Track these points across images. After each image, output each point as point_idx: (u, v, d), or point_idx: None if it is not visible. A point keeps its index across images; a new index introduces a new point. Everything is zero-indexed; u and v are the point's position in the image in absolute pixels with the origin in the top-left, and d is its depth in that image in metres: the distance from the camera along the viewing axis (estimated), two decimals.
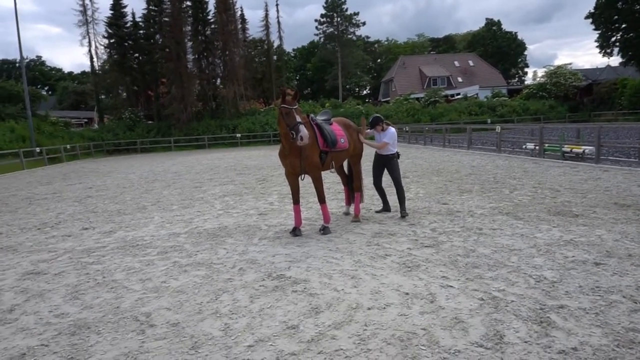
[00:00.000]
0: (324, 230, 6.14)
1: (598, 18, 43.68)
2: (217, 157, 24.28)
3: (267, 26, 46.16)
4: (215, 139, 37.38)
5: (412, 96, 45.62)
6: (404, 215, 6.79)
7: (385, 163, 6.94)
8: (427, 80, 54.56)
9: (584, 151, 13.35)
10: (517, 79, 71.94)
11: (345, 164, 7.64)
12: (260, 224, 7.00)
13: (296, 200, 6.19)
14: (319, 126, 6.10)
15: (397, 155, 6.94)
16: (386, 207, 7.21)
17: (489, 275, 4.40)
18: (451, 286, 4.18)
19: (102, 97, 42.39)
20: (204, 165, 19.02)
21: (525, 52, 71.74)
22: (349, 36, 59.20)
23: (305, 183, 10.33)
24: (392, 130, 6.77)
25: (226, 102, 39.32)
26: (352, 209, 7.27)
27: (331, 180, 11.75)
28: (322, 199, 6.13)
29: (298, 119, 5.40)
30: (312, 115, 6.19)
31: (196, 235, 6.58)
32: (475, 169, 12.72)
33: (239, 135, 36.60)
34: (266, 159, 20.89)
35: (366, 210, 7.66)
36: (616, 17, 42.41)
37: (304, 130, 5.29)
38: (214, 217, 7.79)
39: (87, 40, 39.55)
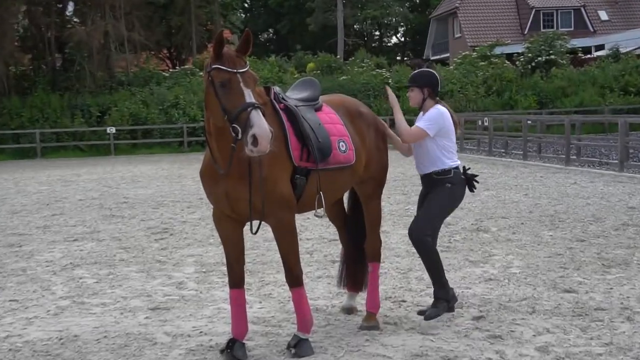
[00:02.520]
0: (298, 348, 6.28)
1: None
2: (63, 178, 24.31)
3: None
4: (59, 136, 37.63)
5: (497, 50, 46.42)
6: (426, 321, 6.88)
7: (429, 190, 7.06)
8: (531, 17, 55.81)
9: None
10: None
11: (345, 197, 7.60)
12: (154, 333, 7.09)
13: (237, 280, 6.39)
14: (291, 114, 6.33)
15: (465, 174, 7.05)
16: (447, 303, 7.07)
17: None
18: None
19: None
20: (31, 198, 19.05)
21: None
22: None
23: (260, 240, 10.38)
24: (439, 110, 6.94)
25: (86, 55, 39.53)
26: (362, 300, 7.37)
27: (317, 232, 11.84)
28: (294, 277, 6.31)
29: (249, 96, 5.60)
30: (276, 89, 6.42)
31: (7, 356, 6.54)
32: (636, 215, 12.90)
33: (112, 129, 37.01)
34: (172, 185, 20.97)
35: (393, 302, 7.73)
36: None
37: (260, 123, 5.43)
38: (50, 314, 7.81)
39: None
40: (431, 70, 7.18)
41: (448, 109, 7.05)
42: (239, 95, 5.52)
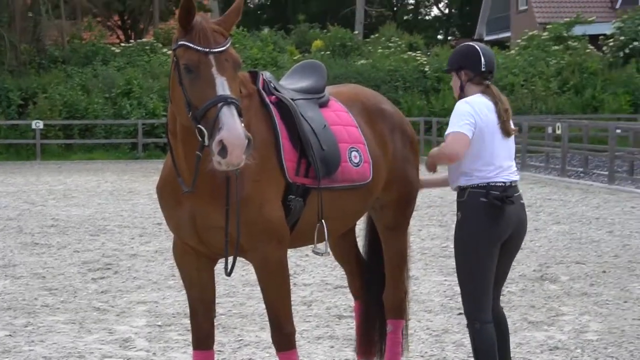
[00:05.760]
0: None
1: None
2: None
3: None
4: None
5: (577, 31, 41.89)
6: None
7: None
8: None
9: None
10: None
11: (359, 228, 7.12)
12: None
13: (203, 339, 5.95)
14: (286, 110, 5.86)
15: (489, 195, 5.70)
16: None
17: None
18: None
19: None
20: None
21: None
22: None
23: (238, 284, 10.40)
24: (462, 102, 5.85)
25: (6, 21, 35.23)
26: None
27: (318, 276, 11.34)
28: (284, 337, 5.80)
29: (221, 87, 5.03)
30: (266, 75, 5.97)
31: None
32: None
33: (38, 124, 32.88)
34: (119, 203, 19.90)
35: None
36: None
37: (231, 125, 4.85)
38: None
39: None
40: (470, 43, 6.05)
41: (492, 97, 5.71)
42: (208, 84, 5.04)
